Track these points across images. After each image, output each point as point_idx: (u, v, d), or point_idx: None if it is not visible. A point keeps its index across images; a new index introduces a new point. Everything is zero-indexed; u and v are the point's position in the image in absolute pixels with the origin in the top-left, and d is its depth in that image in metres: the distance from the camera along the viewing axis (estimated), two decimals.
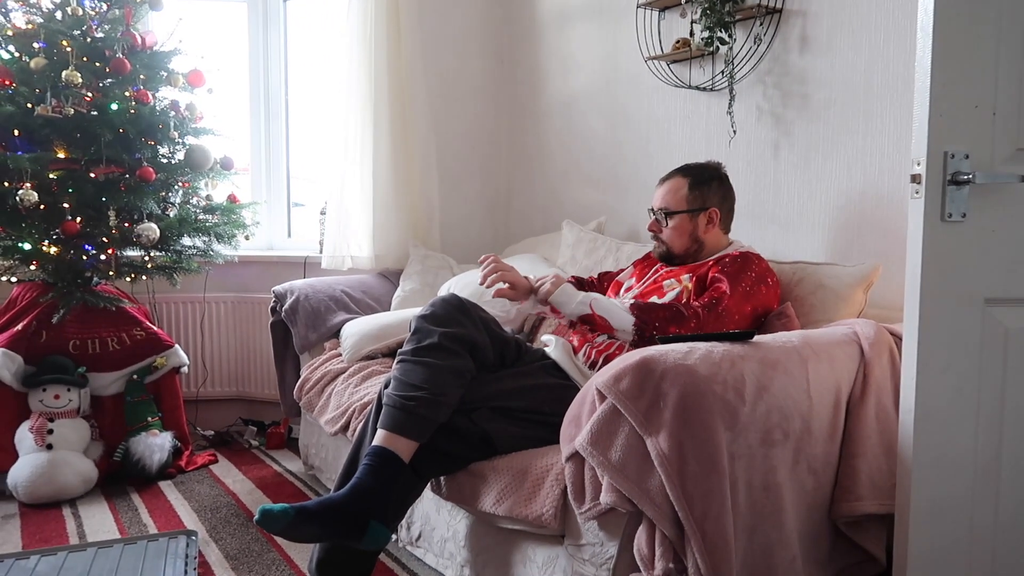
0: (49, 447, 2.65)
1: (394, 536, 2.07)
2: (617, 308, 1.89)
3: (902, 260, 1.42)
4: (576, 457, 1.47)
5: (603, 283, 2.30)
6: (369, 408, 1.90)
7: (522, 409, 1.81)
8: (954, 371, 1.41)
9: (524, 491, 1.62)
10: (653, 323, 1.83)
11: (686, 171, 2.10)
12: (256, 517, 1.54)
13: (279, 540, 2.27)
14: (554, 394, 1.84)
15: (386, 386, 1.81)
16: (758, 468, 1.42)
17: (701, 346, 1.45)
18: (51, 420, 2.70)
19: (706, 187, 2.07)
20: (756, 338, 1.54)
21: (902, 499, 1.43)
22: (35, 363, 2.76)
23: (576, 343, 2.01)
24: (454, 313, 1.85)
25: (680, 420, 1.33)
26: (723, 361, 1.41)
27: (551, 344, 2.03)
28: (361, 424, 1.90)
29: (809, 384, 1.50)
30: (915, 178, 1.37)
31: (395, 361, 1.85)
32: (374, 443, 1.70)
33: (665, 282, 2.03)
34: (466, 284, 2.73)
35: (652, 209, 2.12)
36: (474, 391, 1.80)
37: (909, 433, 1.40)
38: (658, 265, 2.16)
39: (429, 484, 1.84)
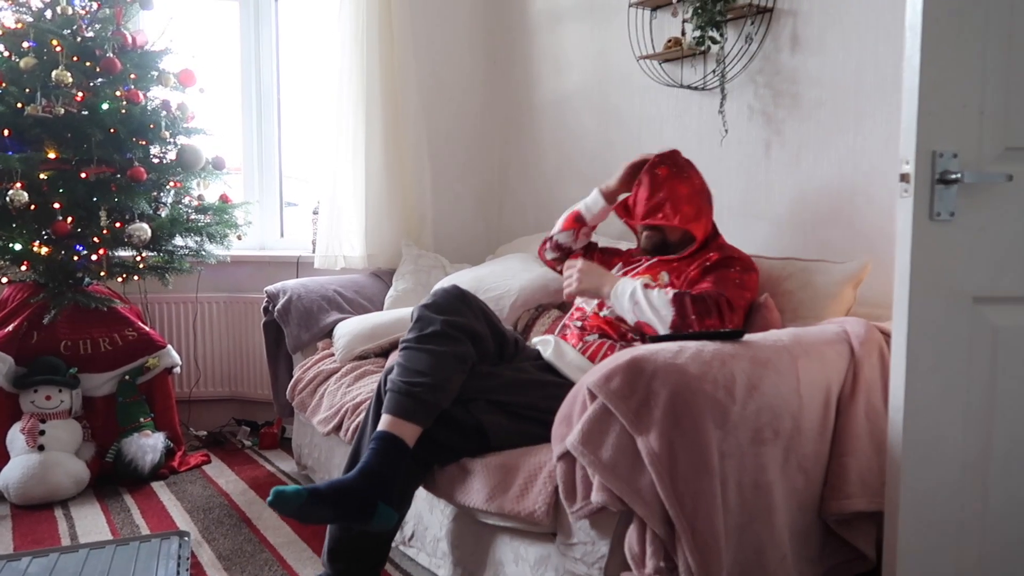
0: (41, 448, 2.64)
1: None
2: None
3: (892, 258, 1.42)
4: (567, 456, 1.47)
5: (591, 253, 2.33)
6: (369, 401, 1.92)
7: (517, 404, 1.82)
8: (943, 369, 1.42)
9: (516, 488, 1.62)
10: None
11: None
12: (269, 499, 1.57)
13: (272, 541, 2.27)
14: (549, 391, 1.85)
15: (387, 375, 1.83)
16: (748, 467, 1.43)
17: (691, 345, 1.45)
18: (43, 421, 2.69)
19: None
20: (746, 337, 1.55)
21: (891, 497, 1.43)
22: (26, 364, 2.75)
23: (573, 342, 2.02)
24: (455, 303, 1.88)
25: (671, 419, 1.33)
26: (713, 360, 1.41)
27: (543, 346, 2.04)
28: (362, 416, 1.93)
29: (799, 383, 1.50)
30: (904, 177, 1.37)
31: (398, 349, 1.87)
32: (379, 428, 1.73)
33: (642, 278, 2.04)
34: (459, 283, 2.73)
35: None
36: (472, 383, 1.82)
37: (898, 431, 1.41)
38: (641, 260, 2.17)
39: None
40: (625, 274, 2.14)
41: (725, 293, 1.85)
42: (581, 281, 2.02)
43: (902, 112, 1.37)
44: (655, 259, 2.11)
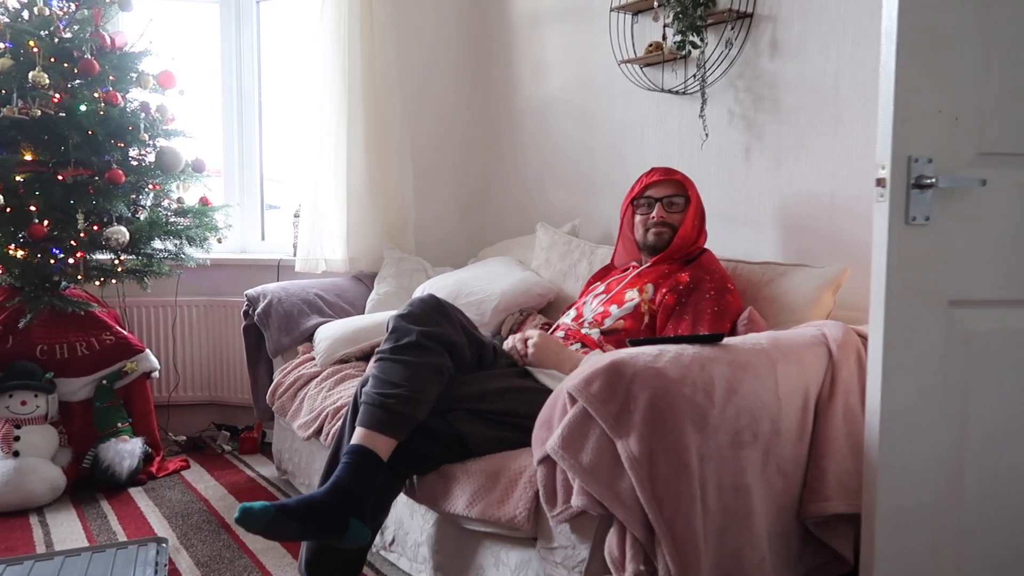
0: (16, 454, 2.60)
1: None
2: None
3: (869, 262, 1.43)
4: (548, 460, 1.47)
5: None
6: (346, 409, 1.90)
7: (497, 411, 1.81)
8: (919, 372, 1.43)
9: (497, 493, 1.62)
10: None
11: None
12: (236, 515, 1.52)
13: (251, 547, 2.25)
14: (528, 397, 1.84)
15: (363, 385, 1.80)
16: (728, 470, 1.43)
17: (671, 349, 1.45)
18: (18, 427, 2.65)
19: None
20: (725, 340, 1.56)
21: (868, 499, 1.44)
22: (1, 369, 2.71)
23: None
24: (432, 313, 1.85)
25: (650, 423, 1.34)
26: (693, 364, 1.42)
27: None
28: (339, 424, 1.90)
29: (778, 386, 1.51)
30: (880, 182, 1.39)
31: (373, 360, 1.84)
32: (352, 441, 1.69)
33: (627, 292, 2.06)
34: (441, 287, 2.73)
35: (652, 199, 2.13)
36: (450, 392, 1.80)
37: (875, 434, 1.42)
38: (628, 270, 2.18)
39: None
40: (611, 287, 2.14)
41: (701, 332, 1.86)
42: (535, 356, 1.95)
43: (878, 117, 1.39)
44: (644, 267, 2.11)
